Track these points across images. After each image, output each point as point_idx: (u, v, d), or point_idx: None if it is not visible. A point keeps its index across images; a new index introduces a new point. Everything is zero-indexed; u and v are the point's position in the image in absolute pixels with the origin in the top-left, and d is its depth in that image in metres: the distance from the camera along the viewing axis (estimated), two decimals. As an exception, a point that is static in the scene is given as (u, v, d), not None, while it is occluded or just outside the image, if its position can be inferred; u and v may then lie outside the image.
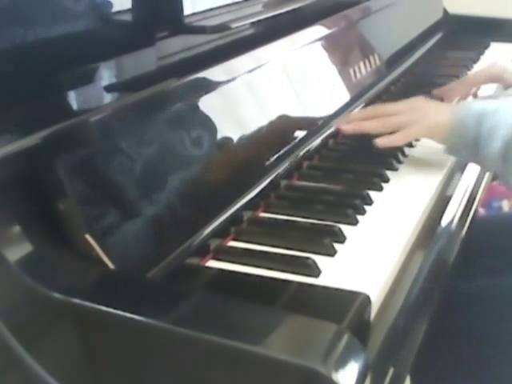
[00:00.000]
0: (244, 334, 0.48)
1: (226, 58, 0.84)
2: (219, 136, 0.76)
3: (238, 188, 0.75)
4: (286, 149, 0.87)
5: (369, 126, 0.93)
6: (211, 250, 0.69)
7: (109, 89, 0.73)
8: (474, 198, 0.95)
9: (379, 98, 1.17)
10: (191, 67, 0.78)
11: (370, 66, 1.17)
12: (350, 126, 0.95)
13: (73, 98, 0.69)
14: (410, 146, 1.00)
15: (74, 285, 0.54)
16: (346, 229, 0.73)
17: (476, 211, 0.94)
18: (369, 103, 1.12)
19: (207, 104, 0.77)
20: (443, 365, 0.92)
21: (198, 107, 0.75)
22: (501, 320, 0.93)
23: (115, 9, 0.74)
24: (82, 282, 0.55)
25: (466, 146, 0.87)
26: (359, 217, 0.77)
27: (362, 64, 1.14)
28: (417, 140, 1.00)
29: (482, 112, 0.85)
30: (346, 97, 1.06)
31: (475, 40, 1.60)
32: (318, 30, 1.07)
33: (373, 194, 0.83)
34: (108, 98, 0.74)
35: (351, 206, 0.78)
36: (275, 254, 0.69)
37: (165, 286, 0.58)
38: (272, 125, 0.86)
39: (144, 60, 0.78)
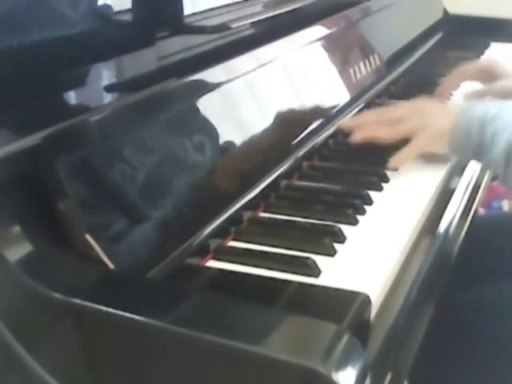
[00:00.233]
0: (244, 334, 0.48)
1: (225, 58, 0.84)
2: (219, 136, 0.76)
3: (238, 188, 0.75)
4: (285, 149, 0.87)
5: (378, 135, 0.93)
6: (211, 250, 0.69)
7: (109, 89, 0.73)
8: (474, 198, 0.95)
9: (379, 98, 1.17)
10: (191, 67, 0.78)
11: (370, 66, 1.17)
12: (359, 134, 0.94)
13: (73, 98, 0.69)
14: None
15: (74, 285, 0.54)
16: (345, 229, 0.73)
17: (476, 211, 0.94)
18: (369, 103, 1.12)
19: (207, 104, 0.77)
20: (443, 366, 0.92)
21: (198, 107, 0.75)
22: (501, 321, 0.93)
23: (115, 9, 0.74)
24: (82, 282, 0.55)
25: (470, 149, 0.87)
26: (359, 217, 0.77)
27: (361, 64, 1.14)
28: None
29: (485, 116, 0.85)
30: (346, 97, 1.06)
31: (475, 40, 1.60)
32: (318, 30, 1.07)
33: (373, 194, 0.83)
34: (108, 97, 0.74)
35: (351, 205, 0.78)
36: (275, 254, 0.69)
37: (165, 286, 0.58)
38: (272, 125, 0.86)
39: (144, 60, 0.78)
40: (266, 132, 0.84)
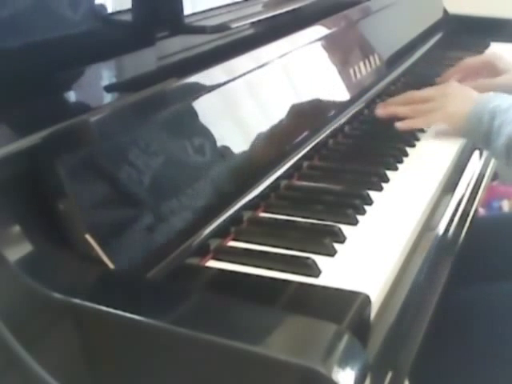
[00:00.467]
0: (244, 334, 0.48)
1: (225, 57, 0.84)
2: (219, 136, 0.76)
3: (238, 188, 0.75)
4: (285, 149, 0.87)
5: (400, 112, 1.04)
6: (211, 250, 0.69)
7: (109, 89, 0.73)
8: (474, 198, 0.95)
9: (379, 98, 1.17)
10: (191, 67, 0.78)
11: (370, 66, 1.17)
12: (382, 110, 1.06)
13: (73, 98, 0.69)
14: (411, 145, 1.00)
15: (74, 285, 0.54)
16: (345, 229, 0.73)
17: (476, 211, 0.94)
18: (369, 103, 1.12)
19: (207, 104, 0.77)
20: (443, 368, 0.92)
21: (198, 107, 0.75)
22: (501, 321, 0.93)
23: (115, 9, 0.74)
24: (82, 282, 0.55)
25: (479, 136, 0.94)
26: (359, 217, 0.77)
27: (362, 64, 1.14)
28: (423, 131, 1.05)
29: (497, 109, 0.92)
30: (346, 97, 1.06)
31: (475, 40, 1.60)
32: (318, 30, 1.07)
33: (373, 194, 0.83)
34: (108, 97, 0.74)
35: (351, 205, 0.78)
36: (275, 254, 0.69)
37: (165, 286, 0.58)
38: (272, 124, 0.86)
39: (144, 60, 0.78)
40: (266, 132, 0.84)
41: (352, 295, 0.60)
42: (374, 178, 0.87)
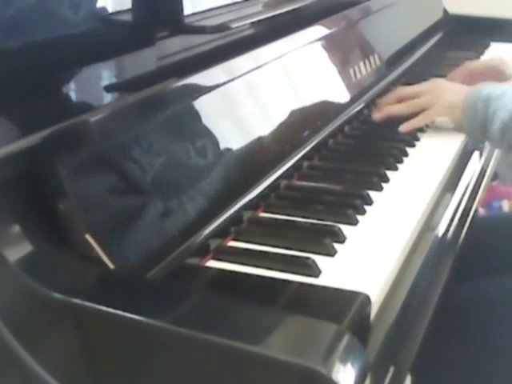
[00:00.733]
0: (244, 334, 0.48)
1: (225, 57, 0.84)
2: (219, 136, 0.76)
3: (238, 188, 0.75)
4: (285, 149, 0.87)
5: (396, 110, 1.06)
6: (211, 250, 0.69)
7: (109, 89, 0.73)
8: (474, 198, 0.95)
9: (379, 98, 1.17)
10: (191, 67, 0.78)
11: (370, 66, 1.17)
12: (379, 113, 1.07)
13: (73, 98, 0.69)
14: (411, 145, 1.00)
15: (74, 285, 0.54)
16: (345, 229, 0.73)
17: (476, 211, 0.94)
18: (369, 103, 1.12)
19: (207, 104, 0.77)
20: (443, 364, 0.92)
21: (198, 107, 0.75)
22: (501, 319, 0.93)
23: (115, 9, 0.74)
24: (82, 281, 0.55)
25: (476, 126, 0.97)
26: (359, 217, 0.77)
27: (362, 64, 1.14)
28: (423, 131, 1.06)
29: (490, 96, 0.95)
30: (346, 97, 1.06)
31: (475, 40, 1.60)
32: (318, 30, 1.07)
33: (373, 193, 0.83)
34: (108, 97, 0.74)
35: (351, 205, 0.78)
36: (275, 254, 0.69)
37: (165, 286, 0.58)
38: (272, 125, 0.86)
39: (144, 60, 0.78)
40: (265, 132, 0.84)
41: (352, 295, 0.60)
42: (374, 178, 0.87)
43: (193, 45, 0.85)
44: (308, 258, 0.66)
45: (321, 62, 1.04)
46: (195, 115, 0.75)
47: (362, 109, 1.10)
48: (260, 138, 0.82)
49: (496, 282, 1.00)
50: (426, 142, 1.03)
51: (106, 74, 0.74)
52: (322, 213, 0.77)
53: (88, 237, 0.57)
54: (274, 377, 0.47)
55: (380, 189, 0.85)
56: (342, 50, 1.12)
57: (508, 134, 0.92)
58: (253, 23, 0.93)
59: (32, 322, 0.53)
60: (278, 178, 0.83)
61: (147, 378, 0.51)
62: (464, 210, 0.89)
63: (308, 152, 0.91)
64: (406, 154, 0.97)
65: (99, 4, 0.73)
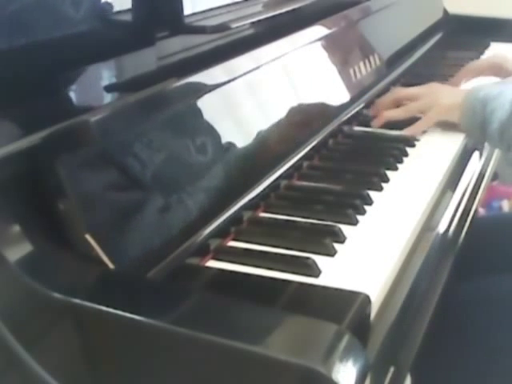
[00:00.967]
0: (244, 334, 0.48)
1: (225, 57, 0.84)
2: (219, 136, 0.76)
3: (238, 188, 0.75)
4: (285, 149, 0.87)
5: (393, 115, 1.06)
6: (211, 250, 0.69)
7: (109, 89, 0.73)
8: (474, 198, 0.95)
9: (379, 98, 1.17)
10: (191, 67, 0.78)
11: (370, 66, 1.17)
12: (377, 120, 1.06)
13: (73, 98, 0.69)
14: (411, 145, 1.00)
15: (74, 285, 0.54)
16: (345, 229, 0.73)
17: (476, 211, 0.94)
18: (369, 103, 1.12)
19: (207, 104, 0.77)
20: (444, 364, 0.92)
21: (198, 107, 0.75)
22: (501, 319, 0.93)
23: (115, 9, 0.74)
24: (82, 281, 0.55)
25: (475, 127, 0.98)
26: (359, 217, 0.77)
27: (362, 64, 1.14)
28: (425, 131, 1.05)
29: (487, 97, 0.95)
30: (346, 97, 1.06)
31: (475, 40, 1.60)
32: (318, 30, 1.07)
33: (373, 193, 0.83)
34: (108, 97, 0.74)
35: (351, 205, 0.78)
36: (275, 254, 0.69)
37: (165, 286, 0.58)
38: (272, 124, 0.86)
39: (144, 60, 0.78)
40: (265, 132, 0.84)
41: (352, 295, 0.60)
42: (374, 178, 0.87)
43: (193, 45, 0.85)
44: (308, 258, 0.66)
45: (321, 62, 1.04)
46: (195, 115, 0.75)
47: (362, 109, 1.10)
48: (260, 138, 0.82)
49: (496, 282, 1.00)
50: (425, 142, 1.03)
51: (106, 73, 0.74)
52: (321, 213, 0.77)
53: (88, 237, 0.57)
54: (274, 377, 0.47)
55: (380, 189, 0.85)
56: (342, 50, 1.12)
57: (506, 133, 0.92)
58: (253, 23, 0.93)
59: (32, 322, 0.53)
60: (278, 178, 0.83)
61: (147, 377, 0.51)
62: (464, 209, 0.89)
63: (308, 152, 0.91)
64: (406, 154, 0.97)
65: (99, 4, 0.73)
